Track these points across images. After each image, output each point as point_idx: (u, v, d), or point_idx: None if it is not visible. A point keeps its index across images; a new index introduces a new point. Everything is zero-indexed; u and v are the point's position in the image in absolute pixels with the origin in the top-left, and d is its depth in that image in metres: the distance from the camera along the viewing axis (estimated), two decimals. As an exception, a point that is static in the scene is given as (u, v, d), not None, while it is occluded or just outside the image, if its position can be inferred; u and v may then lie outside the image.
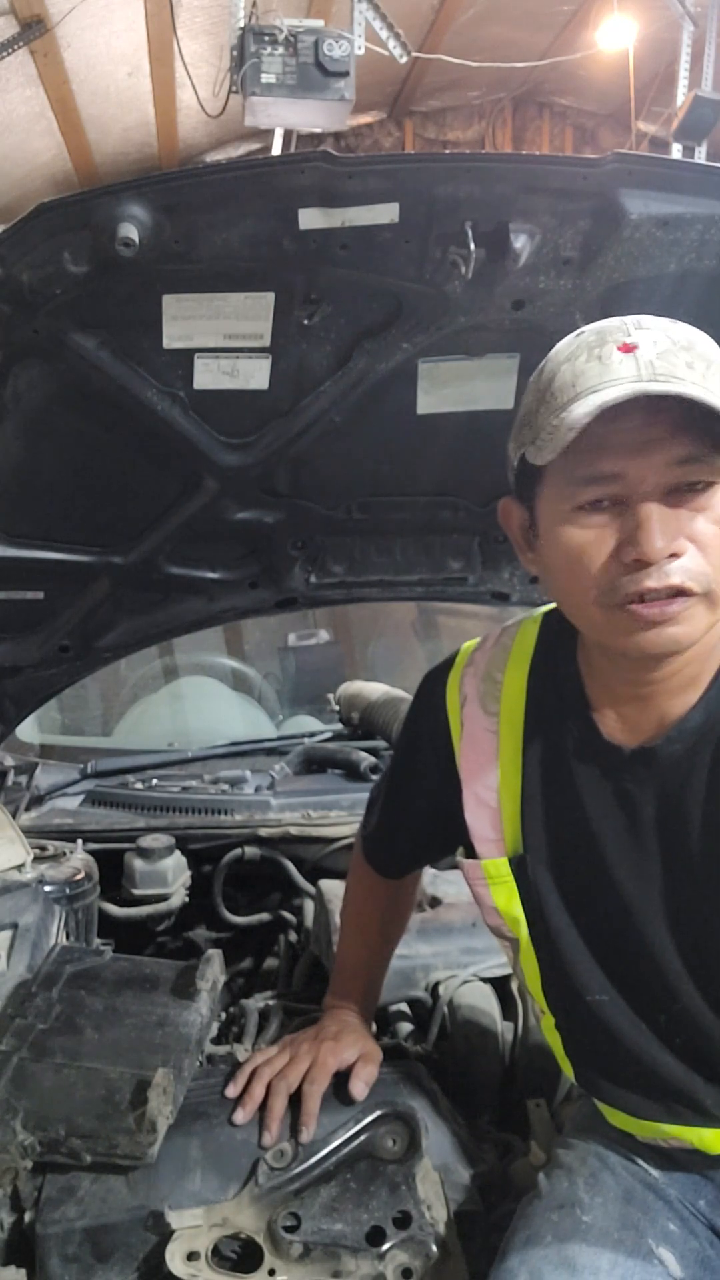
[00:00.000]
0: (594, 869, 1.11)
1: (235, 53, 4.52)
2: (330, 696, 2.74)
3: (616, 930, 1.12)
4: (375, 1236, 1.18)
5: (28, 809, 2.14)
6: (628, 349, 0.94)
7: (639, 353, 0.94)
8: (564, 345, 1.01)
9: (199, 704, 3.15)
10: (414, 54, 5.59)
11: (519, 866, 1.18)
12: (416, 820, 1.37)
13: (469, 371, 1.53)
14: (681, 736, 1.05)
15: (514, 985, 1.59)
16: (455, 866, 1.30)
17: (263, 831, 2.07)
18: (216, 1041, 1.64)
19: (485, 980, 1.61)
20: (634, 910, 1.10)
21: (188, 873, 2.03)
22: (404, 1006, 1.65)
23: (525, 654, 1.20)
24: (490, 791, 1.20)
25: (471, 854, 1.23)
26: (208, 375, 1.46)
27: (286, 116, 4.76)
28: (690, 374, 0.92)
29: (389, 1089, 1.34)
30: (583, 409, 0.92)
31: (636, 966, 1.11)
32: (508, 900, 1.19)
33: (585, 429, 0.93)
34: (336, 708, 2.66)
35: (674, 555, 0.94)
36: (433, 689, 1.29)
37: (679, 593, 0.95)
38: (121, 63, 5.99)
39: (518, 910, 1.19)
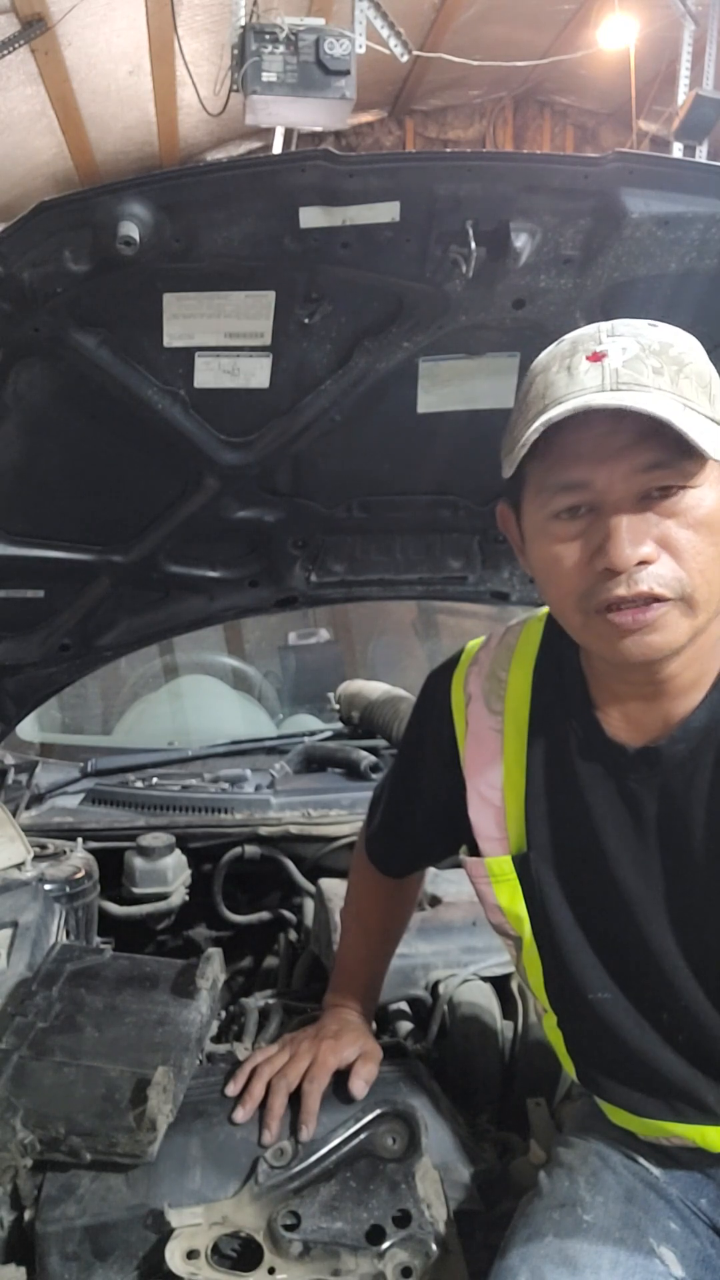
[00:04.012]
0: (597, 867, 1.12)
1: (236, 51, 4.52)
2: (330, 695, 2.74)
3: (619, 928, 1.12)
4: (375, 1235, 1.17)
5: (28, 807, 2.15)
6: (596, 358, 0.95)
7: (606, 361, 0.95)
8: (544, 355, 1.02)
9: (199, 703, 3.15)
10: (415, 53, 5.59)
11: (522, 864, 1.18)
12: (420, 819, 1.37)
13: (469, 370, 1.54)
14: (686, 737, 1.05)
15: (514, 984, 1.59)
16: (457, 865, 1.30)
17: (263, 830, 2.07)
18: (216, 1040, 1.64)
19: (485, 979, 1.61)
20: (637, 908, 1.10)
21: (188, 871, 2.03)
22: (404, 1005, 1.65)
23: (530, 653, 1.20)
24: (494, 790, 1.20)
25: (475, 852, 1.24)
26: (208, 374, 1.46)
27: (287, 115, 4.76)
28: (657, 380, 0.93)
29: (389, 1088, 1.34)
30: (535, 425, 0.94)
31: (639, 964, 1.12)
32: (511, 898, 1.19)
33: (555, 441, 0.95)
34: (336, 707, 2.66)
35: (645, 562, 0.95)
36: (437, 688, 1.29)
37: (651, 599, 0.95)
38: (122, 61, 5.99)
39: (521, 908, 1.19)
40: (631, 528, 0.95)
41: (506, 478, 1.03)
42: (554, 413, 0.93)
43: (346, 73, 4.48)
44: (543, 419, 0.94)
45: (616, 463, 0.95)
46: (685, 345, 0.97)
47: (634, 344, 0.95)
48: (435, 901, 1.77)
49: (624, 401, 0.91)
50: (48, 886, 1.72)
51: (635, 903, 1.10)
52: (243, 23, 4.51)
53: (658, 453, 0.94)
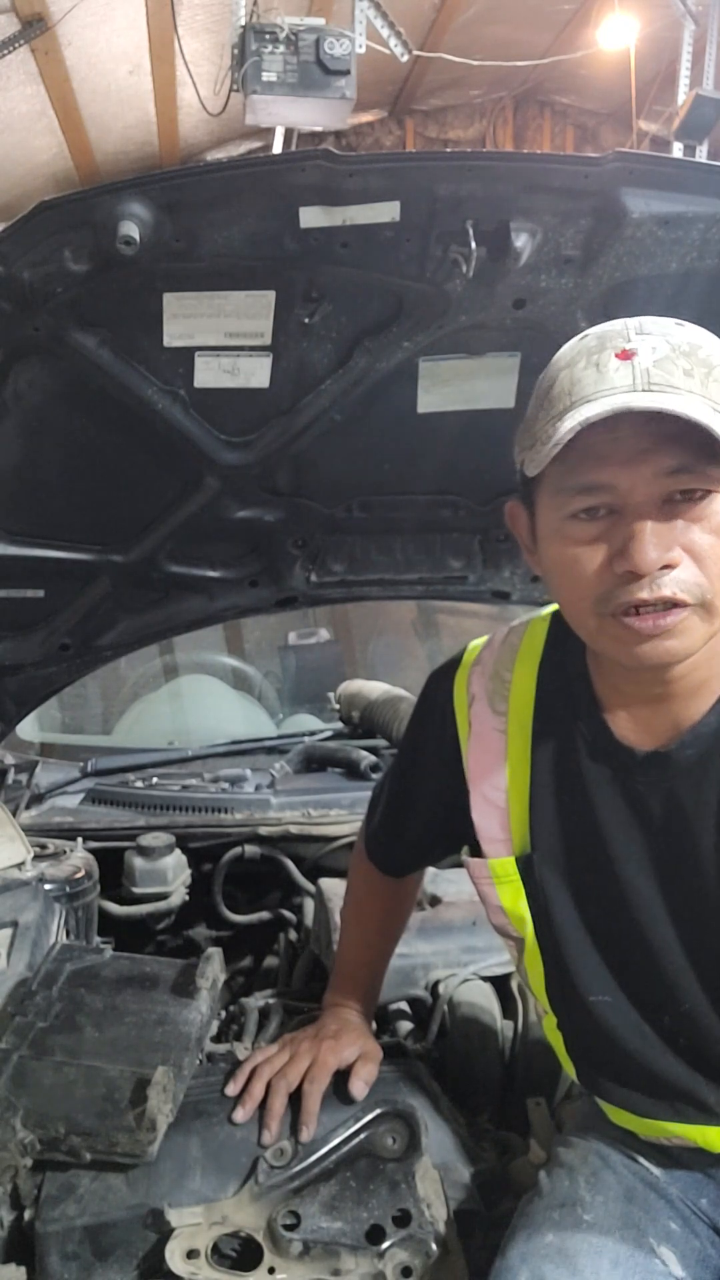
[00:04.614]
0: (602, 870, 1.11)
1: (236, 51, 4.52)
2: (330, 695, 2.74)
3: (622, 931, 1.12)
4: (375, 1235, 1.17)
5: (28, 807, 2.14)
6: (626, 355, 0.93)
7: (636, 360, 0.93)
8: (567, 349, 1.00)
9: (199, 702, 3.15)
10: (415, 52, 5.59)
11: (526, 866, 1.17)
12: (420, 819, 1.36)
13: (470, 370, 1.53)
14: (696, 741, 1.05)
15: (514, 984, 1.59)
16: (457, 865, 1.30)
17: (263, 830, 2.07)
18: (216, 1040, 1.64)
19: (485, 979, 1.61)
20: (640, 911, 1.10)
21: (188, 871, 2.03)
22: (404, 1005, 1.65)
23: (534, 653, 1.20)
24: (499, 791, 1.19)
25: (477, 852, 1.23)
26: (208, 373, 1.46)
27: (287, 115, 4.76)
28: (688, 382, 0.92)
29: (389, 1087, 1.34)
30: (568, 424, 0.92)
31: (642, 968, 1.11)
32: (514, 899, 1.19)
33: (575, 440, 0.93)
34: (337, 706, 2.66)
35: (667, 567, 0.94)
36: (439, 688, 1.28)
37: (672, 604, 0.95)
38: (122, 61, 5.99)
39: (524, 909, 1.19)
40: (656, 532, 0.94)
41: (531, 476, 1.01)
42: (590, 412, 0.91)
43: (346, 72, 4.48)
44: (577, 417, 0.92)
45: (641, 466, 0.94)
46: (713, 348, 0.96)
47: (664, 344, 0.94)
48: (435, 901, 1.77)
49: (661, 404, 0.90)
50: (48, 886, 1.72)
51: (639, 905, 1.10)
52: (243, 22, 4.51)
53: (682, 457, 0.93)
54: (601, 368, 0.94)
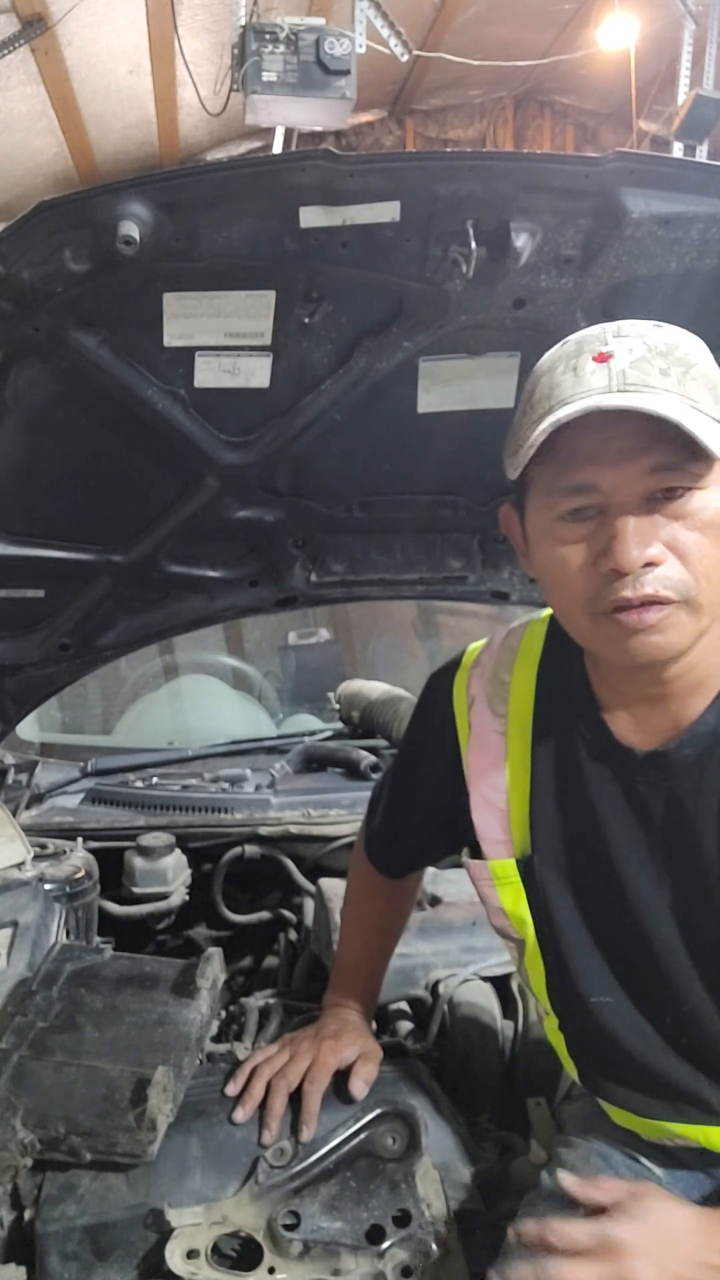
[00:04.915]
0: (603, 870, 1.11)
1: (236, 51, 4.52)
2: (330, 695, 2.74)
3: (625, 932, 1.12)
4: (375, 1235, 1.17)
5: (28, 807, 2.14)
6: (602, 358, 0.95)
7: (612, 362, 0.94)
8: (548, 356, 1.02)
9: (199, 702, 3.16)
10: (415, 52, 5.58)
11: (526, 868, 1.17)
12: (420, 820, 1.37)
13: (470, 370, 1.53)
14: (694, 741, 1.05)
15: (514, 984, 1.59)
16: (457, 865, 1.30)
17: (263, 830, 2.07)
18: (216, 1040, 1.64)
19: (485, 979, 1.61)
20: (642, 912, 1.10)
21: (188, 871, 2.03)
22: (404, 1005, 1.65)
23: (533, 655, 1.20)
24: (499, 793, 1.19)
25: (477, 854, 1.23)
26: (208, 373, 1.46)
27: (287, 115, 4.76)
28: (664, 381, 0.92)
29: (389, 1087, 1.34)
30: (542, 426, 0.93)
31: (644, 968, 1.11)
32: (514, 901, 1.19)
33: (564, 443, 0.94)
34: (337, 706, 2.67)
35: (651, 564, 0.94)
36: (439, 690, 1.28)
37: (656, 601, 0.95)
38: (122, 60, 5.99)
39: (525, 911, 1.19)
40: (638, 529, 0.94)
41: (512, 480, 1.02)
42: (562, 413, 0.93)
43: (347, 72, 4.47)
44: (550, 419, 0.93)
45: (624, 465, 0.94)
46: (691, 347, 0.97)
47: (640, 345, 0.95)
48: (435, 901, 1.77)
49: (632, 403, 0.91)
50: (48, 886, 1.72)
51: (641, 906, 1.10)
52: (243, 22, 4.51)
53: (665, 455, 0.93)
54: (579, 371, 0.95)
